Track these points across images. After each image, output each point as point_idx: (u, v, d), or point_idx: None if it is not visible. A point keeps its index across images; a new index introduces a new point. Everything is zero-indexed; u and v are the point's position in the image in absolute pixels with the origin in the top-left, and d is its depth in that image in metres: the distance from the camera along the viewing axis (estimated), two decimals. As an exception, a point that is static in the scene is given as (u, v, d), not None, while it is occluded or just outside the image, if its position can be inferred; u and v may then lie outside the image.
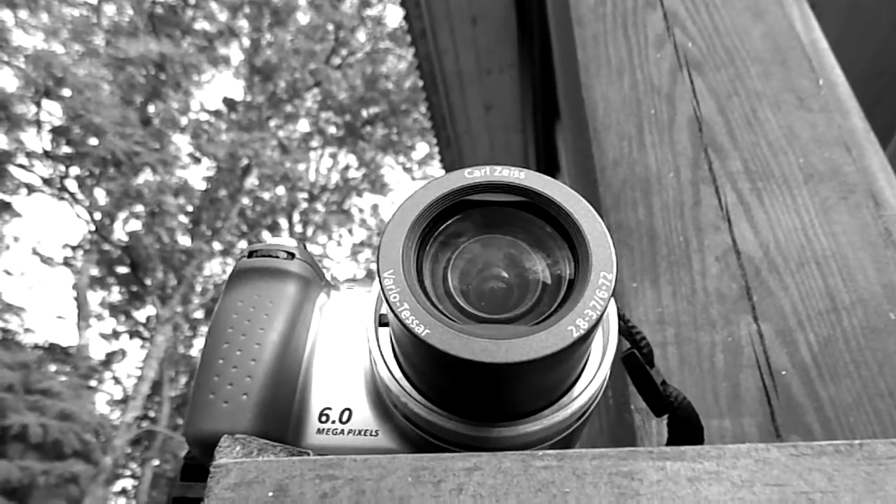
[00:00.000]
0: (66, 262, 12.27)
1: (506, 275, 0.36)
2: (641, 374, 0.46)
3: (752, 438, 0.59)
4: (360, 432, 0.41)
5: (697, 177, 0.75)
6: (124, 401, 12.04)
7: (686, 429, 0.46)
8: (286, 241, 0.47)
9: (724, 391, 0.61)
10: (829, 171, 0.72)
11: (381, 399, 0.41)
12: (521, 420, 0.36)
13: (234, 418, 0.37)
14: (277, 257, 0.45)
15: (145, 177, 11.13)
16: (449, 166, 4.22)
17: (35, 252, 12.12)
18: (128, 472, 12.35)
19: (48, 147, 10.73)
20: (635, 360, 0.46)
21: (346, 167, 14.72)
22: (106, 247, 11.96)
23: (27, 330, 11.33)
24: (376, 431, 0.41)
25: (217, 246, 12.84)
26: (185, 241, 12.40)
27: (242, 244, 13.75)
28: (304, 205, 14.37)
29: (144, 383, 10.78)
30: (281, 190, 13.92)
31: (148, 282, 12.12)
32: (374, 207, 15.22)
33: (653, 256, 0.71)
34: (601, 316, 0.31)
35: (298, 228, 14.33)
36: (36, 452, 9.26)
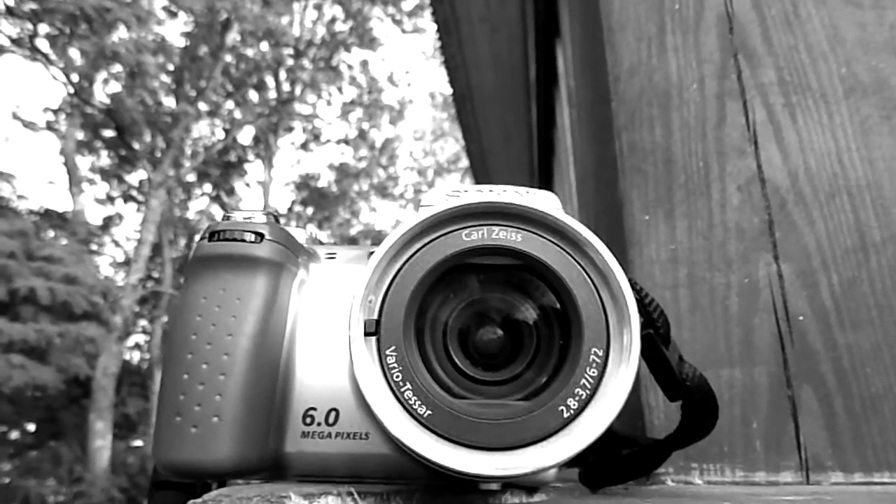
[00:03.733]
0: (50, 127, 11.89)
1: (500, 331, 0.37)
2: (657, 356, 0.42)
3: (762, 389, 0.56)
4: (348, 435, 0.38)
5: (724, 89, 0.66)
6: (127, 263, 12.28)
7: (700, 411, 0.43)
8: (254, 216, 0.40)
9: (736, 337, 0.58)
10: (873, 82, 0.64)
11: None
12: (527, 447, 0.32)
13: (206, 446, 0.33)
14: (244, 241, 0.38)
15: (120, 35, 10.45)
16: (441, 23, 3.92)
17: (16, 116, 11.71)
18: (139, 329, 12.90)
19: (10, 3, 9.95)
20: (651, 341, 0.41)
21: (333, 20, 13.80)
22: (88, 110, 11.53)
23: (20, 196, 11.23)
24: (366, 434, 0.38)
25: (203, 107, 12.38)
26: (169, 102, 11.94)
27: (229, 104, 13.27)
28: (290, 62, 13.67)
29: (144, 246, 10.91)
30: (265, 46, 13.16)
31: (136, 146, 11.84)
32: (364, 63, 14.51)
33: (668, 185, 0.64)
34: (592, 395, 0.32)
35: (286, 87, 13.76)
36: (47, 314, 9.58)
